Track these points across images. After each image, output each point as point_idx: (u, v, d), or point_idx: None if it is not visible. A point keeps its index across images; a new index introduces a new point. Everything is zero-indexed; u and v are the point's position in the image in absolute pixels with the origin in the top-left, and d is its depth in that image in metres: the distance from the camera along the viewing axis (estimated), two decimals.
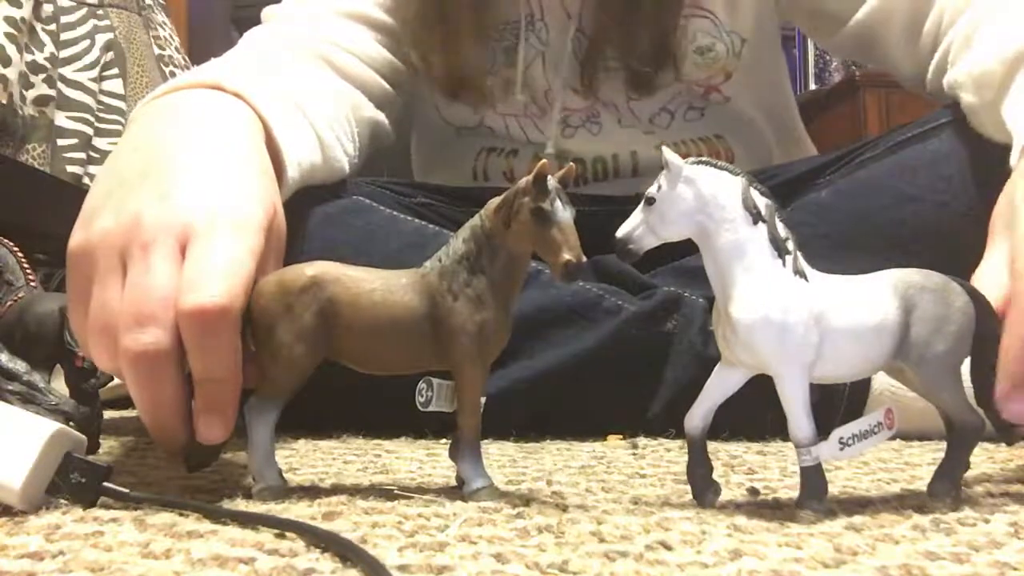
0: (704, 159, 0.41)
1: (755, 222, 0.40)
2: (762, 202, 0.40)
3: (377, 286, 0.44)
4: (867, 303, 0.40)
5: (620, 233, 0.41)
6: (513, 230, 0.42)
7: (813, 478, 0.40)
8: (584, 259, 0.41)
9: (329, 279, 0.44)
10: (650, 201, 0.41)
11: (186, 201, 0.47)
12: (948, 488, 0.42)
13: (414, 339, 0.43)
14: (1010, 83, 0.62)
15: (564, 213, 0.41)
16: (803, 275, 0.40)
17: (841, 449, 0.40)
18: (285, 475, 0.46)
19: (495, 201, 0.44)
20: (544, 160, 0.42)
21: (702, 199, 0.40)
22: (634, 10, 0.83)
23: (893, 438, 0.67)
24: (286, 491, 0.45)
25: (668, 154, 0.40)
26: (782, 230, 0.40)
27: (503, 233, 0.43)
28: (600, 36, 0.86)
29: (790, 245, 0.40)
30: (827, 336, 0.40)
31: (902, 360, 0.41)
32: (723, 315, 0.41)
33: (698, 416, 0.43)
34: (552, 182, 0.42)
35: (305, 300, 0.43)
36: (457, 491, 0.45)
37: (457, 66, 0.85)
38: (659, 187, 0.41)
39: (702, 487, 0.43)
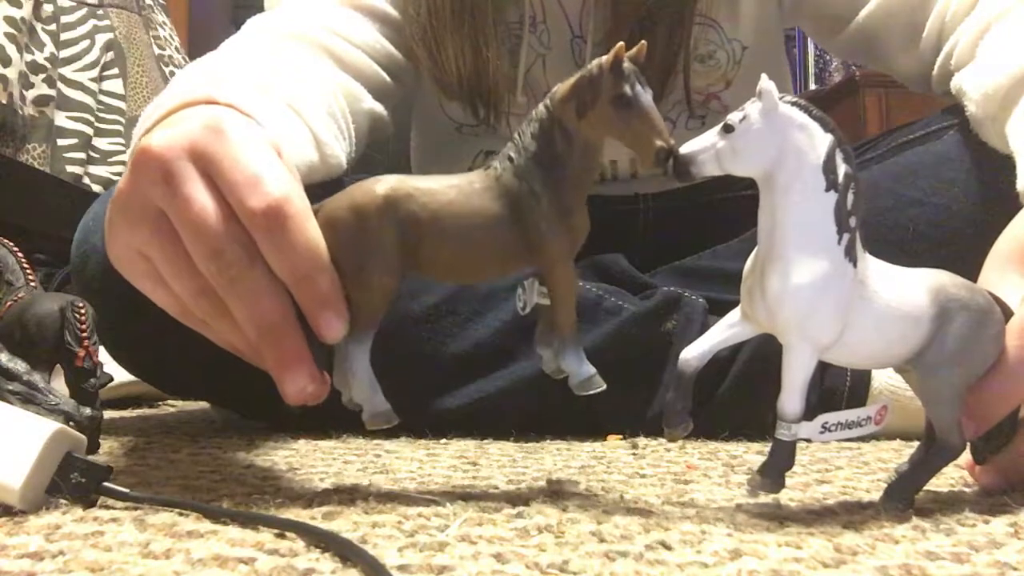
0: (800, 101, 0.38)
1: (827, 189, 0.37)
2: (842, 169, 0.37)
3: (453, 196, 0.41)
4: (904, 304, 0.39)
5: (684, 150, 0.38)
6: (589, 120, 0.40)
7: (782, 453, 0.39)
8: (673, 141, 0.38)
9: (402, 196, 0.41)
10: (728, 128, 0.37)
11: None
12: (903, 495, 0.41)
13: (500, 246, 0.42)
14: (1016, 99, 0.61)
15: (646, 96, 0.38)
16: (853, 258, 0.38)
17: (821, 433, 0.40)
18: (285, 475, 0.46)
19: (563, 88, 0.41)
20: (621, 43, 0.39)
21: (784, 148, 0.37)
22: (647, 34, 0.81)
23: (894, 437, 0.68)
24: (394, 415, 0.44)
25: (766, 83, 0.36)
26: (850, 204, 0.38)
27: (576, 122, 0.40)
28: None
29: (852, 222, 0.38)
30: (853, 326, 0.38)
31: (914, 365, 0.40)
32: (758, 271, 0.39)
33: (695, 355, 0.41)
34: (629, 64, 0.38)
35: (384, 224, 0.41)
36: (456, 492, 0.45)
37: (474, 70, 0.84)
38: (743, 117, 0.37)
39: (675, 421, 0.41)
